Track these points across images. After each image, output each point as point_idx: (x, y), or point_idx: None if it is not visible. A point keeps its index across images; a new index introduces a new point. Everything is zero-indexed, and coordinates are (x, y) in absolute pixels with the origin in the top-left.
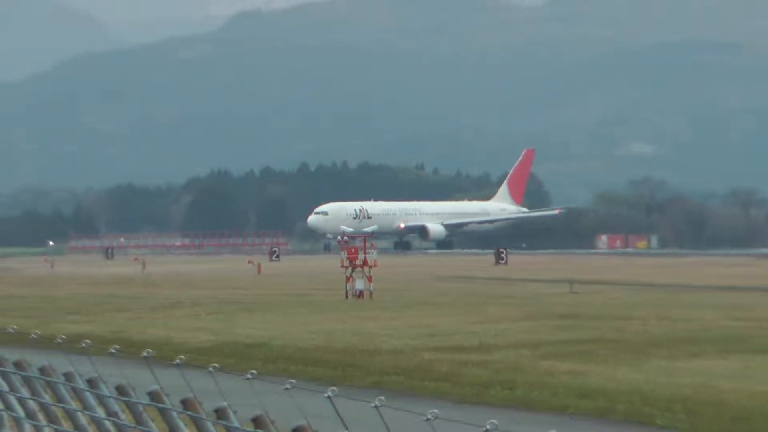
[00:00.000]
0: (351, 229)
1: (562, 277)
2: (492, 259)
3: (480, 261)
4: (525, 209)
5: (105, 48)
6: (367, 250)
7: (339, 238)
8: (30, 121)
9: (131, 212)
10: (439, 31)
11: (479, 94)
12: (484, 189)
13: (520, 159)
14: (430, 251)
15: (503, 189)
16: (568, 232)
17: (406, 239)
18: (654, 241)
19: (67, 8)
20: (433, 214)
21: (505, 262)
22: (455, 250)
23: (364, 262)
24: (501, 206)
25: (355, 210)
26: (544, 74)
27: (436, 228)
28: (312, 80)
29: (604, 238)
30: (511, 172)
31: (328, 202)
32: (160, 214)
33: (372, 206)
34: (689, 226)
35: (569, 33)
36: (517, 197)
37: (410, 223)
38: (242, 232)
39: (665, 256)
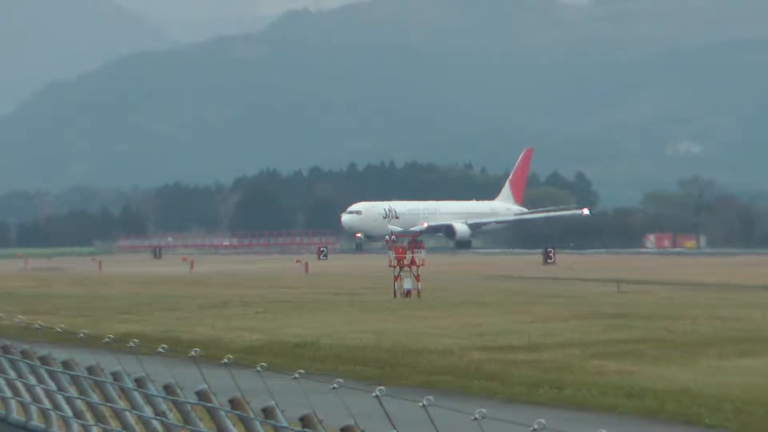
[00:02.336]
0: (399, 229)
1: (610, 277)
2: (539, 258)
3: (527, 260)
4: (525, 209)
5: (156, 47)
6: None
7: (387, 237)
8: (82, 121)
9: (179, 212)
10: (489, 31)
11: (529, 94)
12: (531, 189)
13: (519, 159)
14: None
15: (506, 189)
16: (617, 231)
17: (420, 238)
18: (702, 240)
19: (119, 8)
20: (450, 213)
21: (553, 262)
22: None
23: (412, 262)
24: (506, 206)
25: (385, 209)
26: (594, 74)
27: (462, 228)
28: (361, 80)
29: (652, 237)
30: (512, 172)
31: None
32: (208, 214)
33: (399, 206)
34: (738, 225)
35: (619, 33)
36: (518, 197)
37: (433, 223)
38: (290, 232)
39: (714, 255)
